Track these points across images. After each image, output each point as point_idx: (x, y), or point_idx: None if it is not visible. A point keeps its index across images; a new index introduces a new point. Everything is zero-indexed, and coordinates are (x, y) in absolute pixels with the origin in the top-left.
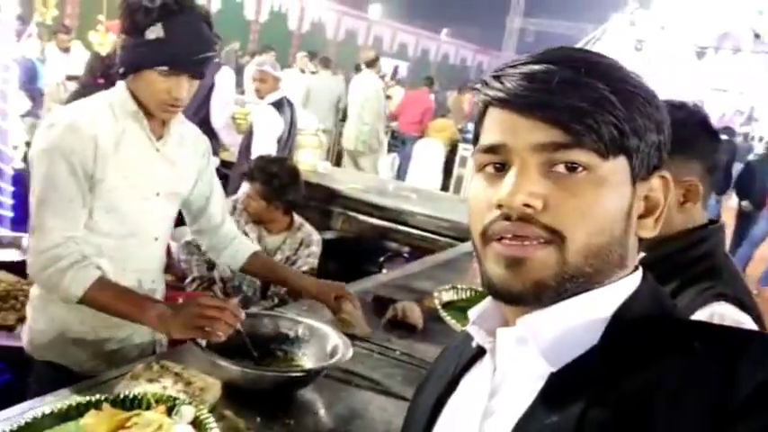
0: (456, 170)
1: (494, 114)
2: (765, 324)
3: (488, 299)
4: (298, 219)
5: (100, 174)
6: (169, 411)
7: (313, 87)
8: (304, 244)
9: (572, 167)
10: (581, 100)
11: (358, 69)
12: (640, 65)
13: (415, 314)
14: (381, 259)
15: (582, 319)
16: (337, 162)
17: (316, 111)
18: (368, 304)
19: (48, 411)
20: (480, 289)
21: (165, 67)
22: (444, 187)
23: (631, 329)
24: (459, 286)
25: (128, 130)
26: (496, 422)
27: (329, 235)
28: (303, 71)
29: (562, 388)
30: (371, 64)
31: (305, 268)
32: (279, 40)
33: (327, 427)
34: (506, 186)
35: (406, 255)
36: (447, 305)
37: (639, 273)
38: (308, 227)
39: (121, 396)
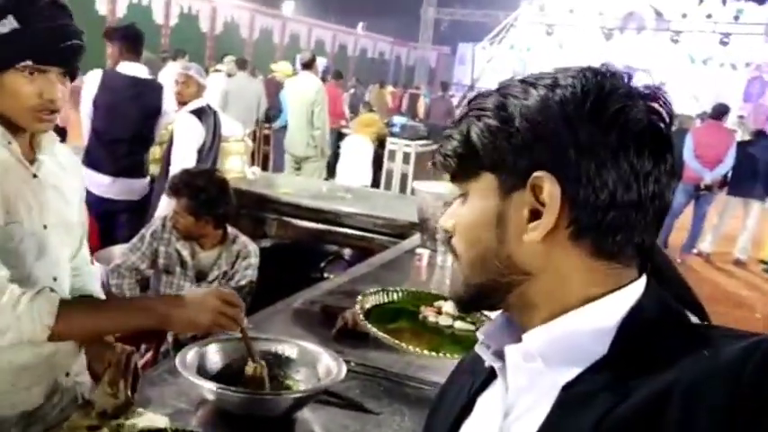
0: (385, 164)
1: None
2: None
3: (496, 317)
4: (232, 230)
5: None
6: None
7: (231, 90)
8: (241, 256)
9: (458, 192)
10: (445, 145)
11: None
12: (552, 49)
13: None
14: (323, 264)
15: (586, 329)
16: (263, 166)
17: (235, 114)
18: (315, 315)
19: None
20: (410, 289)
21: (29, 62)
22: (375, 183)
23: (639, 337)
24: (387, 288)
25: None
26: None
27: (265, 243)
28: (230, 75)
29: (574, 400)
30: (309, 65)
31: (244, 282)
32: (191, 43)
33: None
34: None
35: (347, 257)
36: (372, 309)
37: (643, 280)
38: (243, 238)
39: (121, 429)
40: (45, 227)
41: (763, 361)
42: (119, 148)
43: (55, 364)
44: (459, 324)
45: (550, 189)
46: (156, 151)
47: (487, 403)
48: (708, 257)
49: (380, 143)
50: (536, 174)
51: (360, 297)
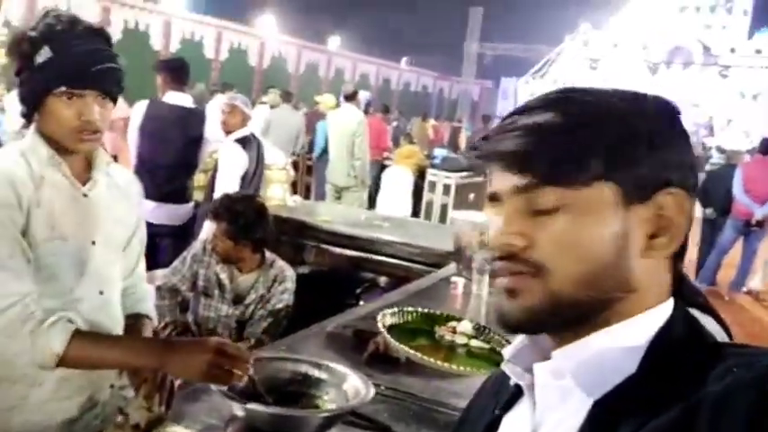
0: (425, 195)
1: (491, 167)
2: (727, 324)
3: (522, 336)
4: (270, 255)
5: (29, 230)
6: None
7: (272, 120)
8: (278, 281)
9: (547, 204)
10: (547, 144)
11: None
12: (595, 83)
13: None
14: (358, 291)
15: (617, 347)
16: (306, 196)
17: (274, 144)
18: (348, 339)
19: None
20: (424, 310)
21: (64, 87)
22: (414, 214)
23: (669, 355)
24: (404, 309)
25: (47, 178)
26: None
27: (303, 269)
28: (273, 106)
29: (604, 418)
30: (351, 97)
31: (280, 305)
32: (240, 77)
33: None
34: (491, 230)
35: (382, 285)
36: (392, 328)
37: (671, 300)
38: (280, 263)
39: None
40: (93, 243)
41: None
42: (162, 174)
43: (96, 378)
44: (474, 342)
45: (683, 205)
46: (201, 178)
47: (514, 422)
48: (757, 296)
49: (421, 175)
50: (671, 189)
51: (379, 316)
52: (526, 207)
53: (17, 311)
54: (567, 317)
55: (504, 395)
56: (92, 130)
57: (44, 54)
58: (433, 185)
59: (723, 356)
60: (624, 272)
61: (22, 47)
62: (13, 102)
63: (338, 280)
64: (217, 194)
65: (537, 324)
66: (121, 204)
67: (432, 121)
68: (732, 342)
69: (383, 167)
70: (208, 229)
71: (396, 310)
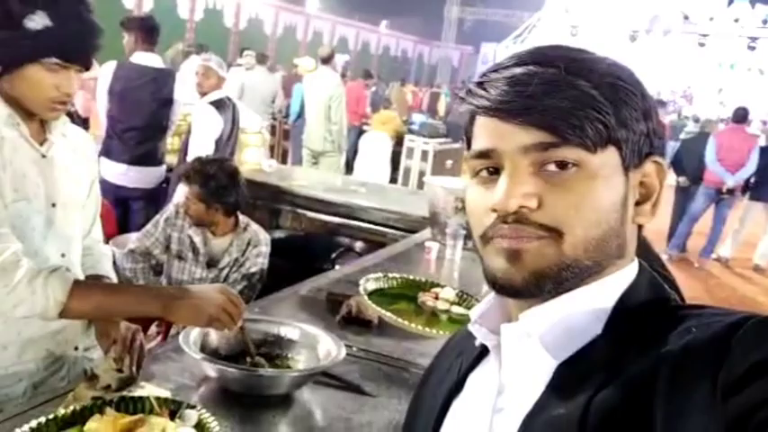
0: (403, 161)
1: (481, 121)
2: (681, 291)
3: (489, 297)
4: (243, 219)
5: None
6: (172, 415)
7: (247, 84)
8: (252, 244)
9: (562, 165)
10: (562, 99)
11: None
12: None
13: (370, 309)
14: (333, 255)
15: (583, 310)
16: (282, 160)
17: (250, 107)
18: (321, 302)
19: (51, 417)
20: (409, 276)
21: (55, 60)
22: (392, 180)
23: (633, 317)
24: (386, 275)
25: (6, 138)
26: (506, 418)
27: (279, 234)
28: (248, 69)
29: (568, 379)
30: (328, 60)
31: (254, 269)
32: (215, 39)
33: (299, 423)
34: (499, 191)
35: (357, 250)
36: (373, 292)
37: (636, 263)
38: (254, 226)
39: (126, 398)
40: (53, 205)
41: (750, 332)
42: (132, 137)
43: (62, 339)
44: (455, 309)
45: (663, 173)
46: (174, 141)
47: (479, 381)
48: (726, 263)
49: (399, 141)
50: (655, 157)
51: (362, 280)
52: (537, 166)
53: (11, 261)
54: (566, 279)
55: (469, 356)
56: (66, 101)
57: (39, 21)
58: (410, 151)
59: (684, 317)
60: (621, 238)
61: (9, 4)
62: None
63: (314, 245)
64: (190, 158)
65: (540, 287)
66: (79, 164)
67: (410, 87)
68: (693, 304)
69: (361, 133)
70: (180, 192)
71: (380, 275)
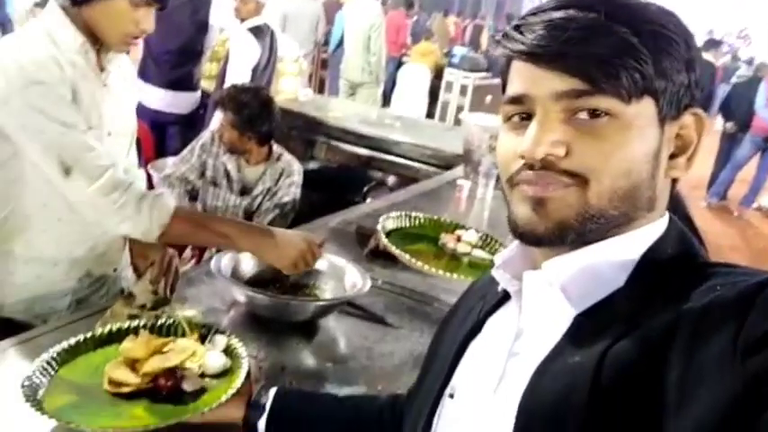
0: (442, 96)
1: (516, 66)
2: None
3: (514, 244)
4: (277, 149)
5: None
6: (202, 339)
7: (290, 13)
8: (284, 174)
9: (594, 113)
10: (599, 46)
11: None
12: None
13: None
14: (365, 189)
15: (608, 262)
16: (320, 90)
17: (293, 37)
18: (350, 235)
19: (89, 335)
20: (432, 217)
21: None
22: (430, 114)
23: (657, 272)
24: (408, 213)
25: (77, 64)
26: (521, 362)
27: (312, 165)
28: None
29: (587, 329)
30: None
31: (286, 199)
32: None
33: (323, 350)
34: (528, 137)
35: (390, 185)
36: (394, 231)
37: (666, 216)
38: (287, 156)
39: (158, 323)
40: (109, 134)
41: (763, 304)
42: (167, 60)
43: (104, 261)
44: (477, 252)
45: (702, 126)
46: (212, 68)
47: (498, 325)
48: (767, 213)
49: (438, 74)
50: (695, 109)
51: (382, 218)
52: (569, 114)
53: (122, 181)
54: (590, 230)
55: (491, 299)
56: (139, 37)
57: None
58: (449, 85)
59: (710, 275)
60: (652, 190)
61: None
62: None
63: (346, 177)
64: (227, 85)
65: (563, 237)
66: (128, 93)
67: (453, 18)
68: (722, 262)
69: (400, 64)
70: (217, 118)
71: (401, 214)
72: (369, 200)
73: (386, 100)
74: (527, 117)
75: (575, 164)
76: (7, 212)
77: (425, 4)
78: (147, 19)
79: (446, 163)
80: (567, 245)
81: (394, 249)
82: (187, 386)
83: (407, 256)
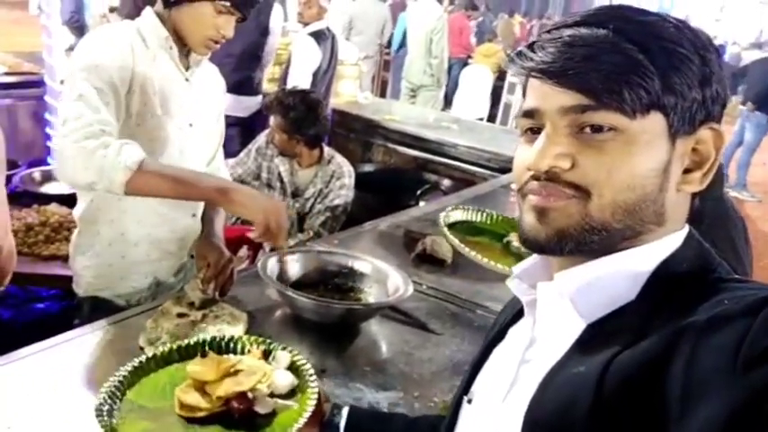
0: (504, 97)
1: (531, 82)
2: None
3: (534, 255)
4: (329, 151)
5: (138, 98)
6: (265, 356)
7: (356, 15)
8: (335, 176)
9: (599, 128)
10: (603, 63)
11: None
12: None
13: (444, 248)
14: (419, 192)
15: (620, 274)
16: (382, 92)
17: (359, 39)
18: (398, 238)
19: (151, 356)
20: (503, 213)
21: (228, 4)
22: (491, 116)
23: (669, 286)
24: (476, 208)
25: (158, 57)
26: (531, 370)
27: (368, 167)
28: None
29: (595, 340)
30: None
31: (338, 201)
32: None
33: (363, 354)
34: (534, 150)
35: (443, 188)
36: (456, 225)
37: (685, 230)
38: (339, 158)
39: (218, 339)
40: (191, 125)
41: (765, 320)
42: (228, 63)
43: (182, 244)
44: None
45: (719, 141)
46: (275, 71)
47: (517, 333)
48: None
49: (501, 75)
50: (712, 124)
51: (445, 210)
52: (575, 128)
53: (100, 129)
54: (593, 242)
55: (515, 308)
56: (219, 42)
57: None
58: (512, 87)
59: (721, 290)
60: (660, 205)
61: None
62: None
63: (401, 180)
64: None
65: (561, 245)
66: (212, 93)
67: (519, 18)
68: (738, 277)
69: (465, 65)
70: (271, 122)
71: (468, 207)
72: (422, 203)
73: (448, 102)
74: (538, 131)
75: (578, 176)
76: (93, 195)
77: (492, 5)
78: (228, 26)
79: (502, 166)
80: (565, 254)
81: (452, 238)
82: (260, 408)
83: (466, 248)
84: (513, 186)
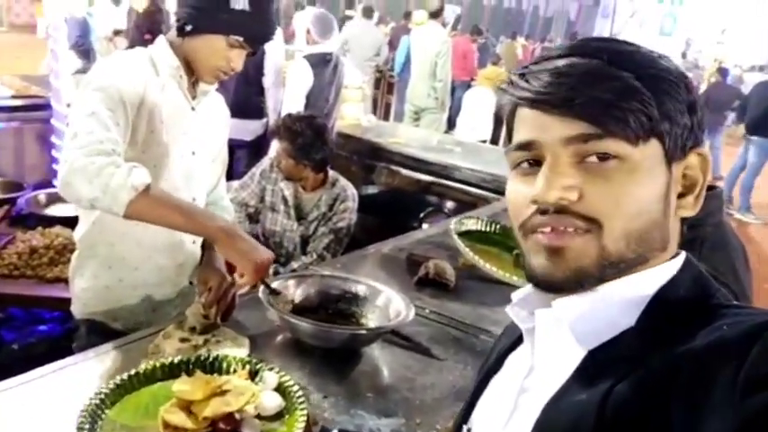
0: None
1: (522, 113)
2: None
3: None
4: (333, 174)
5: (146, 124)
6: (252, 376)
7: (351, 38)
8: (339, 199)
9: (603, 157)
10: (605, 91)
11: (407, 17)
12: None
13: (447, 273)
14: (422, 215)
15: (618, 302)
16: (386, 115)
17: (353, 62)
18: (402, 262)
19: (133, 373)
20: (507, 224)
21: (240, 39)
22: (494, 138)
23: (668, 313)
24: (480, 217)
25: (167, 85)
26: (530, 399)
27: (371, 190)
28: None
29: (594, 368)
30: (437, 14)
31: (341, 224)
32: None
33: (364, 379)
34: (540, 183)
35: (446, 210)
36: (468, 234)
37: (682, 256)
38: (342, 181)
39: (203, 358)
40: (193, 153)
41: (765, 345)
42: (230, 88)
43: (181, 271)
44: None
45: (707, 165)
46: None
47: (515, 361)
48: None
49: None
50: (699, 149)
51: (457, 218)
52: (579, 158)
53: (109, 147)
54: (609, 274)
55: (512, 336)
56: (228, 74)
57: (242, 3)
58: None
59: (720, 316)
60: (665, 231)
61: None
62: (103, 6)
63: (403, 202)
64: (283, 112)
65: (581, 284)
66: (216, 123)
67: (521, 40)
68: (737, 303)
69: (468, 88)
70: (275, 147)
71: (479, 217)
72: (425, 225)
73: (451, 124)
74: (536, 163)
75: (588, 208)
76: (95, 217)
77: (494, 28)
78: (239, 59)
79: (505, 188)
80: (585, 290)
81: (462, 247)
82: (247, 430)
83: (477, 258)
84: None
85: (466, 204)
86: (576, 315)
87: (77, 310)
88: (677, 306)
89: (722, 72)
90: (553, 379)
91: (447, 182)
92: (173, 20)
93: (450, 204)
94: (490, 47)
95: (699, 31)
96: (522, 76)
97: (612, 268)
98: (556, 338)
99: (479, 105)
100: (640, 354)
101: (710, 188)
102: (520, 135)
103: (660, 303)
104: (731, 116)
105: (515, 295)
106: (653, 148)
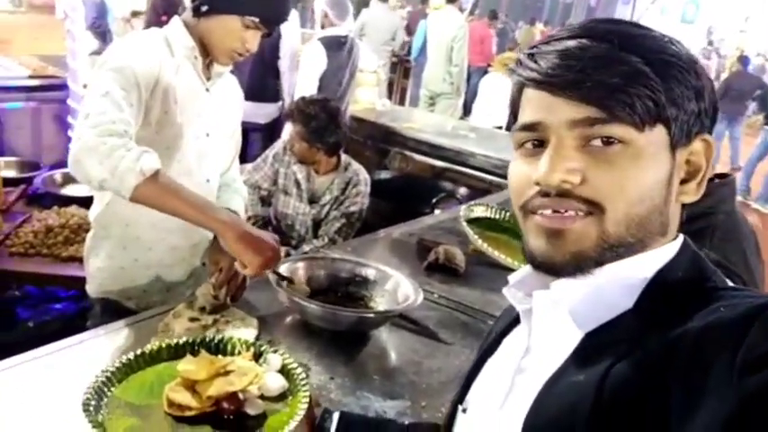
0: None
1: (529, 93)
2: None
3: (528, 266)
4: (345, 158)
5: (160, 105)
6: (256, 358)
7: (366, 22)
8: (351, 184)
9: (608, 141)
10: (613, 75)
11: (424, 1)
12: None
13: (457, 258)
14: (434, 200)
15: (617, 284)
16: (401, 99)
17: (369, 46)
18: (412, 246)
19: (139, 353)
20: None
21: (257, 20)
22: (510, 124)
23: (665, 294)
24: (489, 204)
25: (182, 66)
26: (527, 379)
27: (384, 174)
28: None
29: (592, 349)
30: None
31: (353, 208)
32: None
33: (372, 362)
34: (543, 164)
35: (459, 196)
36: (477, 221)
37: (680, 240)
38: (355, 165)
39: (208, 339)
40: (207, 135)
41: (763, 325)
42: (245, 71)
43: (195, 252)
44: None
45: (711, 151)
46: None
47: (511, 343)
48: None
49: None
50: (704, 135)
51: (466, 205)
52: (582, 141)
53: (122, 128)
54: (608, 257)
55: (509, 318)
56: (243, 55)
57: None
58: None
59: (717, 298)
60: (666, 216)
61: None
62: None
63: (416, 188)
64: (296, 95)
65: (581, 267)
66: (230, 105)
67: (540, 26)
68: (734, 286)
69: (484, 74)
70: (288, 130)
71: (489, 204)
72: (437, 211)
73: (467, 110)
74: (540, 144)
75: (590, 191)
76: (109, 198)
77: (514, 13)
78: (254, 40)
79: None
80: (583, 274)
81: (471, 233)
82: (250, 410)
83: (485, 245)
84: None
85: (479, 191)
86: (574, 297)
87: (92, 289)
88: (675, 288)
89: (743, 60)
90: (550, 360)
91: (461, 168)
92: (188, 1)
93: (463, 190)
94: (509, 32)
95: (722, 19)
96: (530, 56)
97: (612, 252)
98: (553, 320)
99: (495, 91)
100: (638, 335)
101: (723, 176)
102: (525, 115)
103: (658, 286)
104: (752, 105)
105: (512, 277)
106: (658, 134)
